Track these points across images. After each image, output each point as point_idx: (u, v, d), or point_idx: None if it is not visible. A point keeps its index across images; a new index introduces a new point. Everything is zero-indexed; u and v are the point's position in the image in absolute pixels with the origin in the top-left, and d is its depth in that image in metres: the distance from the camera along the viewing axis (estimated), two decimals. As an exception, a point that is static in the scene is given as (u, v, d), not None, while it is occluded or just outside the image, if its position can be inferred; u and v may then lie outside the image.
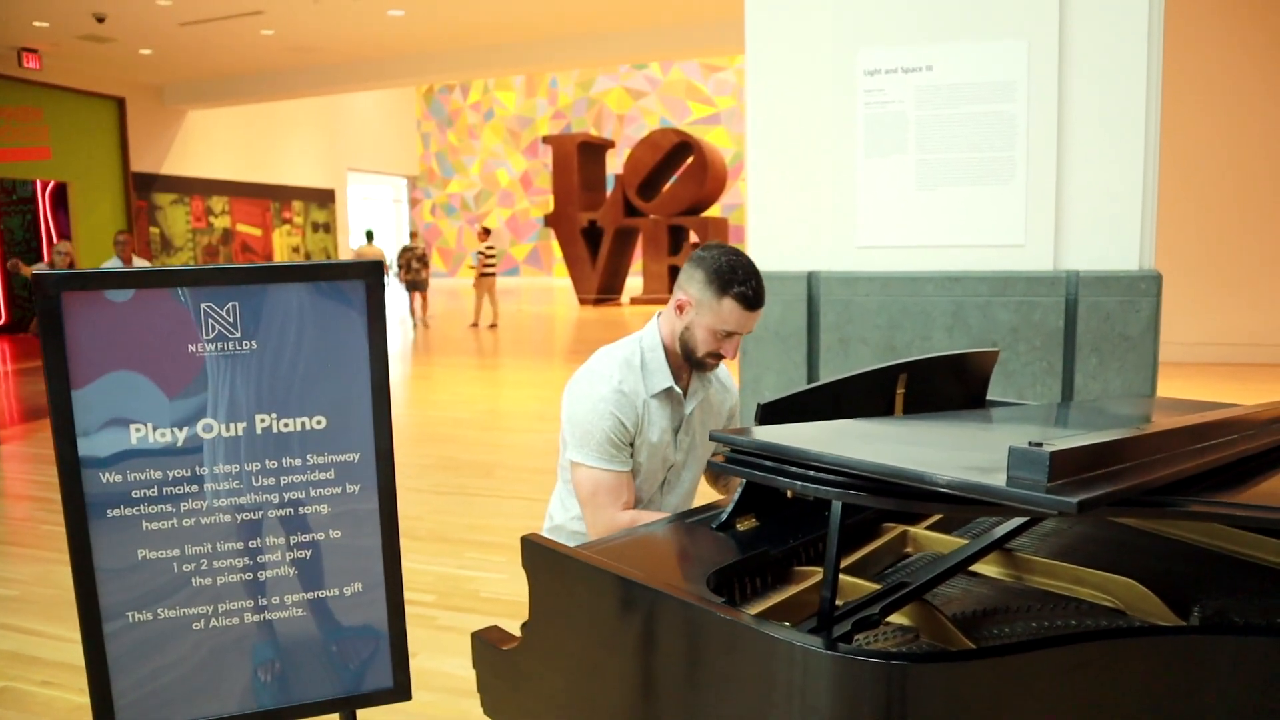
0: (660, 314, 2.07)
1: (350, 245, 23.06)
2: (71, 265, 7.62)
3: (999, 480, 0.89)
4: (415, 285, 15.10)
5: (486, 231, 15.28)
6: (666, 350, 2.03)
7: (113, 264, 7.79)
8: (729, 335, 1.94)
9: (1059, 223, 3.41)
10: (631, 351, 2.03)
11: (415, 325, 15.00)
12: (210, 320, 1.42)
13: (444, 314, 16.81)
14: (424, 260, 15.24)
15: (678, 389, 2.04)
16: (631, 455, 2.02)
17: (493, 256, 14.58)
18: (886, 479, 0.95)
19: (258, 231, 19.95)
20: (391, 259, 16.94)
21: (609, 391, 1.97)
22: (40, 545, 4.35)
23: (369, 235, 16.14)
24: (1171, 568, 1.50)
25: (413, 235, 16.87)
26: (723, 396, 2.22)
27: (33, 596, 3.69)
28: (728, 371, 2.27)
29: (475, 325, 14.45)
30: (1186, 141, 8.14)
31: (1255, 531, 1.52)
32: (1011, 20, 3.35)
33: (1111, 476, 0.92)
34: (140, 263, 8.78)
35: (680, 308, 1.98)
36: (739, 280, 1.89)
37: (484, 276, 14.47)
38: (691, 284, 1.95)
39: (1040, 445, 0.88)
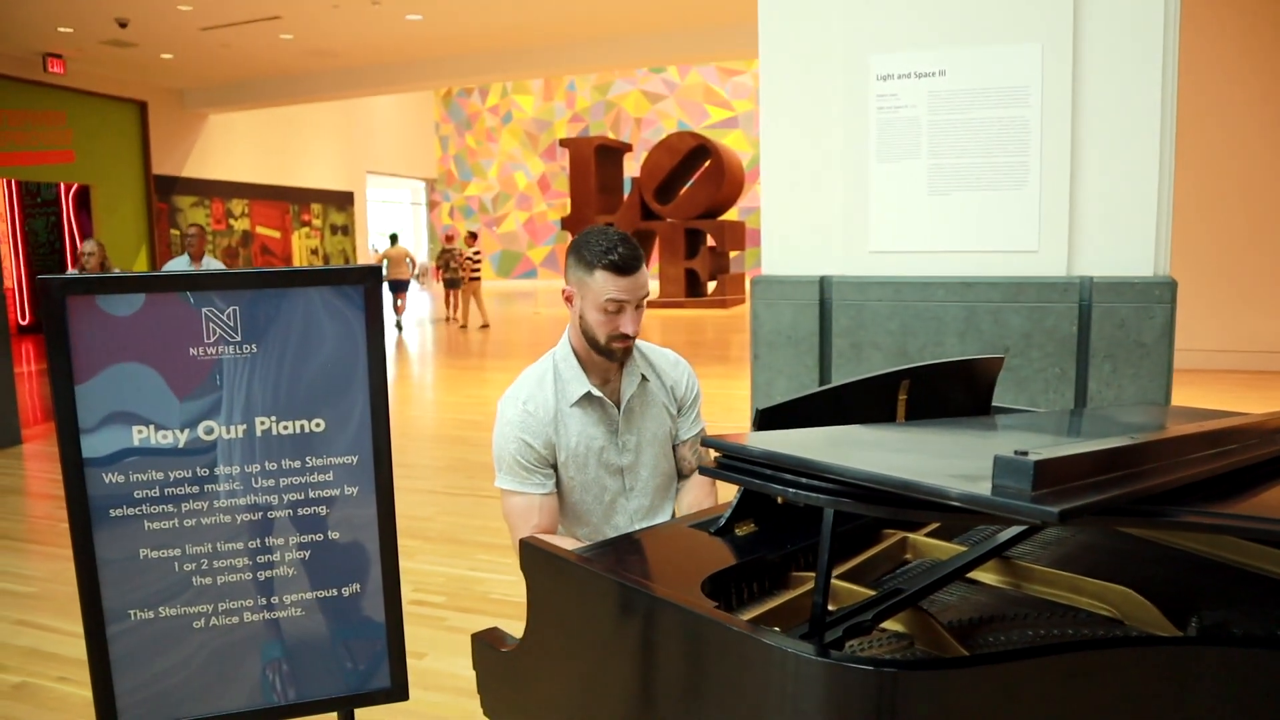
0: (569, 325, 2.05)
1: (370, 247, 23.32)
2: (103, 265, 7.15)
3: (984, 489, 0.89)
4: (453, 284, 15.97)
5: (474, 236, 16.09)
6: (579, 356, 2.00)
7: (181, 262, 7.50)
8: (618, 310, 1.90)
9: (1073, 228, 3.39)
10: (545, 368, 2.02)
11: (449, 319, 16.06)
12: (211, 324, 1.44)
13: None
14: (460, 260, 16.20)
15: (598, 393, 2.00)
16: (554, 474, 1.99)
17: (479, 261, 15.35)
18: (873, 486, 0.95)
19: (277, 234, 20.11)
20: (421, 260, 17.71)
21: (514, 415, 1.98)
22: (59, 543, 4.41)
23: (393, 238, 16.76)
24: (1174, 578, 1.49)
25: (449, 238, 17.74)
26: (666, 385, 2.13)
27: (51, 594, 3.74)
28: (675, 358, 2.19)
29: (486, 326, 15.01)
30: (1203, 146, 8.05)
31: (1258, 542, 1.51)
32: (1025, 24, 3.34)
33: (1099, 486, 0.91)
34: (213, 262, 8.36)
35: (568, 299, 1.98)
36: (604, 250, 1.89)
37: (472, 280, 15.21)
38: (569, 272, 1.97)
39: (1026, 454, 0.88)
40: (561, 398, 1.99)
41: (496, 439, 2.00)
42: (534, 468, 1.97)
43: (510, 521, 1.99)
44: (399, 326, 15.45)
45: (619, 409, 2.03)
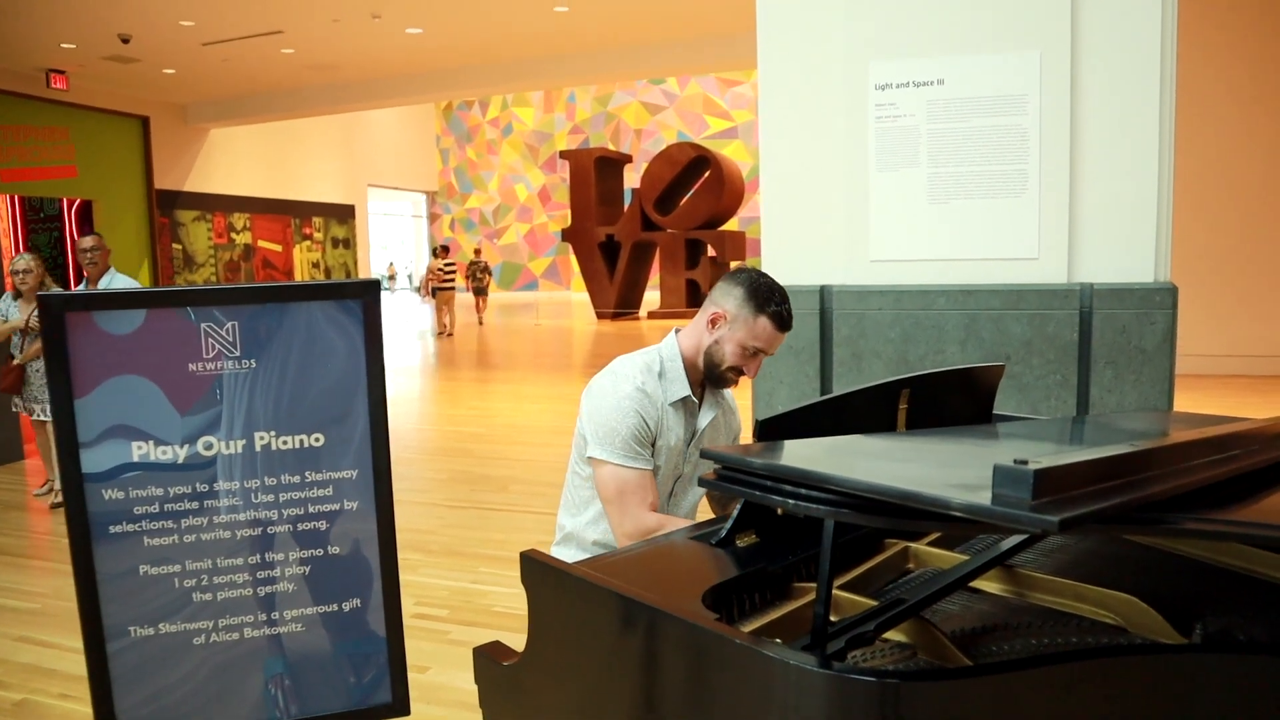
0: (678, 330, 2.12)
1: (371, 260, 23.65)
2: (42, 285, 5.45)
3: (984, 498, 0.89)
4: (480, 291, 18.33)
5: (445, 249, 17.43)
6: (686, 363, 2.08)
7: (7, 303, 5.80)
8: (755, 353, 2.01)
9: (1072, 235, 3.39)
10: (652, 359, 2.09)
11: (480, 323, 17.90)
12: (210, 340, 1.44)
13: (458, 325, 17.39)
14: (487, 270, 18.67)
15: (694, 399, 2.09)
16: (653, 456, 2.05)
17: (451, 273, 16.57)
18: (872, 497, 0.95)
19: (278, 247, 20.16)
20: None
21: (632, 390, 2.01)
22: (60, 559, 4.41)
23: (434, 252, 18.50)
24: (1178, 584, 1.48)
25: (477, 251, 19.55)
26: (730, 420, 2.26)
27: (53, 610, 3.73)
28: (733, 398, 2.31)
29: (443, 334, 16.04)
30: (1203, 151, 8.06)
31: (1262, 548, 1.50)
32: (1024, 32, 3.34)
33: (1100, 494, 0.91)
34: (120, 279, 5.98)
35: (714, 321, 2.03)
36: (775, 301, 1.99)
37: (442, 290, 16.40)
38: (728, 299, 2.02)
39: (1025, 463, 0.88)
40: (666, 393, 2.06)
41: (608, 411, 2.01)
42: (645, 445, 2.01)
43: (622, 499, 1.99)
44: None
45: (698, 423, 2.13)
